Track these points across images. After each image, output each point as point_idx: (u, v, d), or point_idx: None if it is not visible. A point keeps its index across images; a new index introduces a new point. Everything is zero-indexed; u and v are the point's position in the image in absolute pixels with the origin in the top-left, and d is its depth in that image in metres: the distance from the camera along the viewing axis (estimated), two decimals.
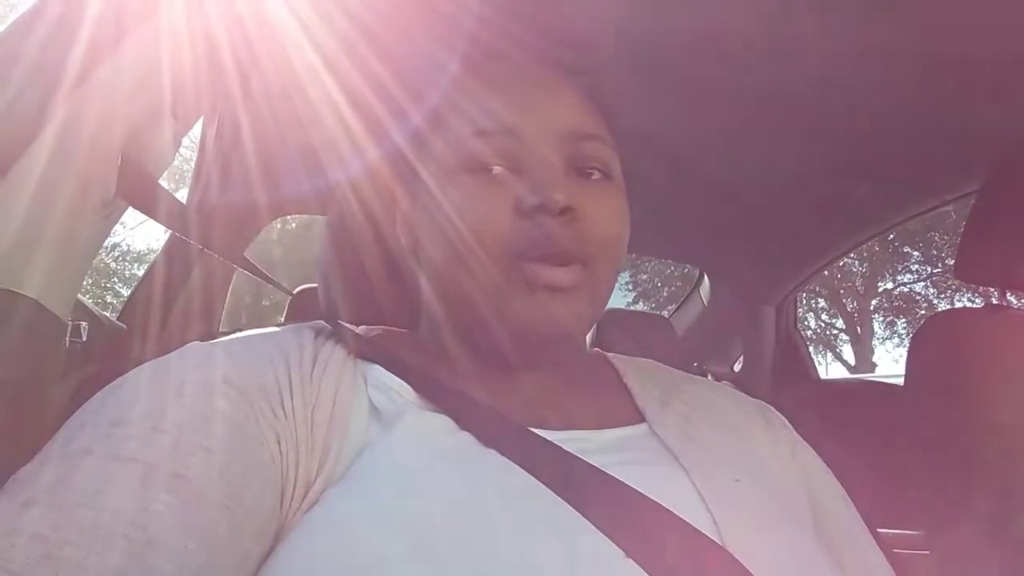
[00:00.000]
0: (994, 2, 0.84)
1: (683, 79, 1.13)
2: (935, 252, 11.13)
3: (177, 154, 0.76)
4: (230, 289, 1.66)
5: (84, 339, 0.85)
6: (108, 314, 1.11)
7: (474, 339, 0.58)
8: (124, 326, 1.14)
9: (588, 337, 1.99)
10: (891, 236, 10.49)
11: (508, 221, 0.53)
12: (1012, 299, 1.05)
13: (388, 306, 0.75)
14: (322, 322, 0.62)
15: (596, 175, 0.59)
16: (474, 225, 0.54)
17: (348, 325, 0.62)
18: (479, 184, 0.55)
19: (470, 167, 0.56)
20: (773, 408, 0.69)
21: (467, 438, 0.49)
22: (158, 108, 0.68)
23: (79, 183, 0.58)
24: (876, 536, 0.61)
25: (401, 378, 0.54)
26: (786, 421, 0.67)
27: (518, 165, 0.56)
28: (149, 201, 0.69)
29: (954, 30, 0.93)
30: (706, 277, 2.26)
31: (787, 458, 0.62)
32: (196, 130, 1.07)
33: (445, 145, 0.58)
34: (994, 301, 1.02)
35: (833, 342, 13.88)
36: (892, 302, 12.68)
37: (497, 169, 0.56)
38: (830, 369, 13.40)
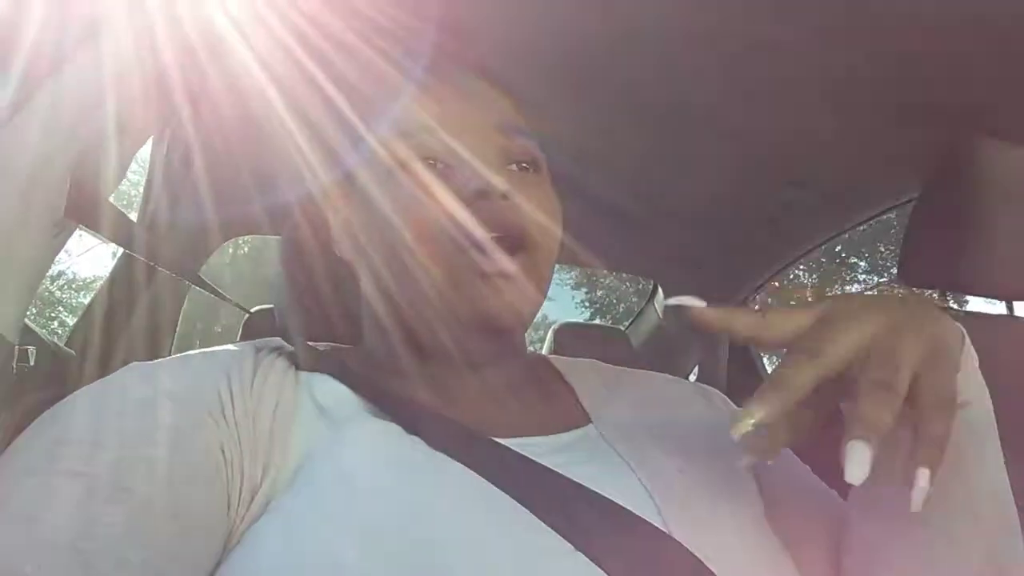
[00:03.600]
0: (925, 15, 0.88)
1: (631, 95, 1.15)
2: (881, 262, 11.39)
3: (125, 177, 0.76)
4: (181, 315, 1.63)
5: (31, 364, 0.83)
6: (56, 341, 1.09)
7: (419, 338, 0.58)
8: (72, 352, 1.12)
9: (546, 348, 2.01)
10: (838, 247, 10.76)
11: (451, 206, 0.54)
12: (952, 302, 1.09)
13: (341, 324, 0.75)
14: (267, 339, 0.62)
15: (528, 168, 0.60)
16: (416, 214, 0.55)
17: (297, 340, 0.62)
18: (417, 179, 0.56)
19: (406, 165, 0.57)
20: (712, 388, 0.71)
21: (416, 443, 0.49)
22: (106, 129, 0.67)
23: (25, 203, 0.58)
24: None
25: (347, 386, 0.54)
26: (726, 399, 0.70)
27: (454, 159, 0.57)
28: (99, 220, 0.68)
29: (890, 41, 0.97)
30: (660, 289, 2.29)
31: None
32: (145, 151, 1.06)
33: (381, 148, 0.59)
34: None
35: None
36: None
37: (435, 164, 0.57)
38: None
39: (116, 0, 0.62)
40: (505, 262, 0.54)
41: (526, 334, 0.68)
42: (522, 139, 0.60)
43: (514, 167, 0.60)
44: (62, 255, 0.71)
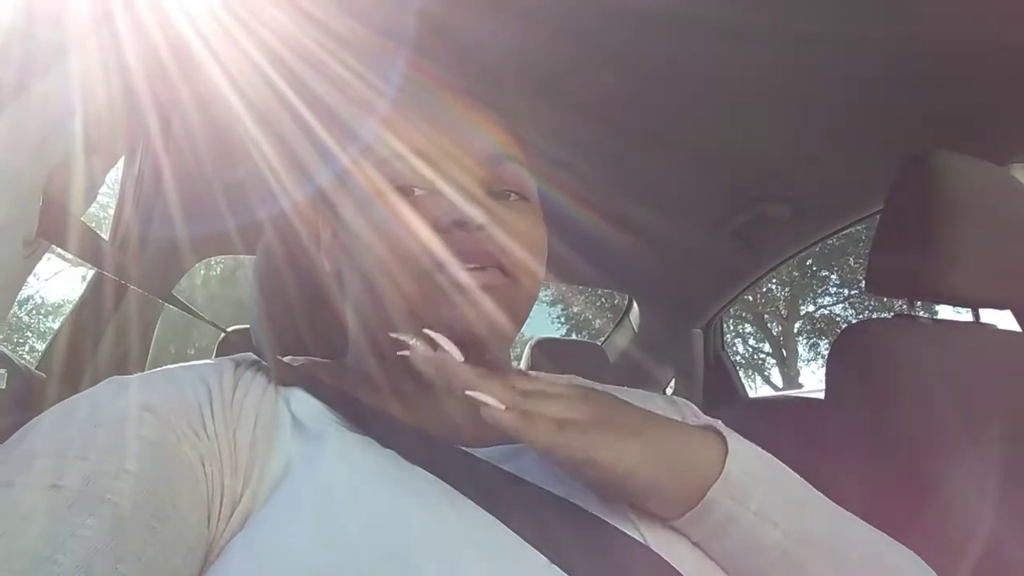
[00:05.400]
0: (887, 38, 0.91)
1: (604, 115, 1.17)
2: (851, 275, 11.55)
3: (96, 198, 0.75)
4: (154, 338, 1.61)
5: (3, 388, 0.82)
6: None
7: (396, 357, 0.58)
8: (43, 375, 1.10)
9: (523, 364, 2.01)
10: (809, 261, 10.90)
11: (427, 236, 0.54)
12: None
13: (317, 340, 0.75)
14: (245, 354, 0.62)
15: (513, 197, 0.60)
16: (393, 242, 0.54)
17: (270, 357, 0.61)
18: (397, 205, 0.56)
19: (388, 191, 0.56)
20: (682, 399, 0.72)
21: (391, 456, 0.50)
22: (76, 148, 0.67)
23: None
24: None
25: (323, 401, 0.54)
26: (698, 411, 0.70)
27: (436, 187, 0.56)
28: (70, 240, 0.68)
29: (853, 61, 0.99)
30: (635, 303, 2.30)
31: None
32: (115, 173, 1.05)
33: (363, 172, 0.58)
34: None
35: (761, 365, 14.24)
36: (814, 324, 13.09)
37: (416, 192, 0.56)
38: (760, 392, 13.73)
39: (86, 18, 0.62)
40: (479, 275, 0.54)
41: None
42: (510, 167, 0.60)
43: (498, 196, 0.59)
44: (30, 279, 0.70)
